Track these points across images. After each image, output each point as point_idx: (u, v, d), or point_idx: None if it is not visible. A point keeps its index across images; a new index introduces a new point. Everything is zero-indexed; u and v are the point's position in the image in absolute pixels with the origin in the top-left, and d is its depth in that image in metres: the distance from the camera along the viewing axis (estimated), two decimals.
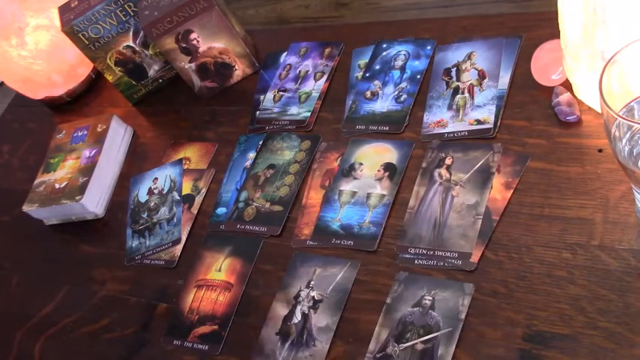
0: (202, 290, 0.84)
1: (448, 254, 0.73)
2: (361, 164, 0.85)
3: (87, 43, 1.02)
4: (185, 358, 0.80)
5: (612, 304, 0.63)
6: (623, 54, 0.56)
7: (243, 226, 0.87)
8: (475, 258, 0.71)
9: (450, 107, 0.84)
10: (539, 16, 0.86)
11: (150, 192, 0.98)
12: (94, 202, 0.99)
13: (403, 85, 0.90)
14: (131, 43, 1.05)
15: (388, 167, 0.83)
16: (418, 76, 0.90)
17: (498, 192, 0.75)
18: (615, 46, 0.60)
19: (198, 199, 0.93)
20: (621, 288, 0.64)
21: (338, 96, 0.94)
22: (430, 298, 0.71)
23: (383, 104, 0.89)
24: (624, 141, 0.57)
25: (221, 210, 0.90)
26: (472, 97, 0.84)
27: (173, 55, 1.00)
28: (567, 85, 0.78)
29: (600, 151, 0.73)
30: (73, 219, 1.01)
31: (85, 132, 1.07)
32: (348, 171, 0.85)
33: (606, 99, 0.54)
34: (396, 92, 0.90)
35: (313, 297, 0.76)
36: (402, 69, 0.91)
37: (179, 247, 0.90)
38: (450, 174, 0.78)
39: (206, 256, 0.87)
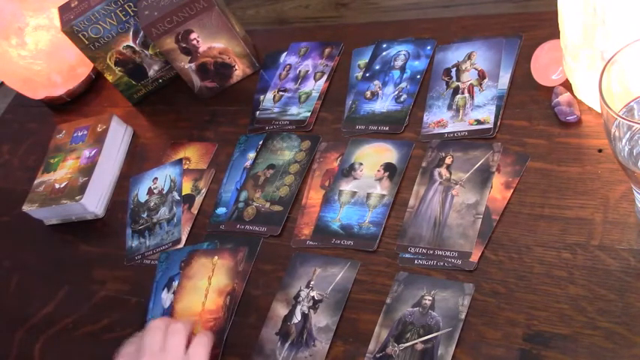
0: None
1: (448, 253, 0.73)
2: (361, 164, 0.85)
3: (87, 43, 1.02)
4: None
5: (612, 304, 0.63)
6: (623, 54, 0.56)
7: (243, 226, 0.87)
8: (475, 257, 0.71)
9: (449, 107, 0.84)
10: (539, 16, 0.87)
11: (150, 192, 0.98)
12: (94, 202, 0.99)
13: (403, 85, 0.90)
14: (131, 43, 1.05)
15: (388, 167, 0.83)
16: (418, 76, 0.90)
17: (498, 191, 0.75)
18: (615, 46, 0.60)
19: (198, 199, 0.93)
20: (621, 288, 0.64)
21: (338, 96, 0.94)
22: (430, 298, 0.71)
23: (383, 104, 0.89)
24: (624, 141, 0.57)
25: (221, 210, 0.90)
26: (472, 97, 0.84)
27: (173, 55, 1.00)
28: (567, 85, 0.78)
29: (600, 151, 0.73)
30: (73, 219, 1.01)
31: (85, 132, 1.07)
32: (348, 171, 0.85)
33: (606, 99, 0.54)
34: (396, 92, 0.90)
35: (313, 297, 0.76)
36: (402, 69, 0.91)
37: (179, 247, 0.90)
38: (450, 173, 0.78)
39: None
